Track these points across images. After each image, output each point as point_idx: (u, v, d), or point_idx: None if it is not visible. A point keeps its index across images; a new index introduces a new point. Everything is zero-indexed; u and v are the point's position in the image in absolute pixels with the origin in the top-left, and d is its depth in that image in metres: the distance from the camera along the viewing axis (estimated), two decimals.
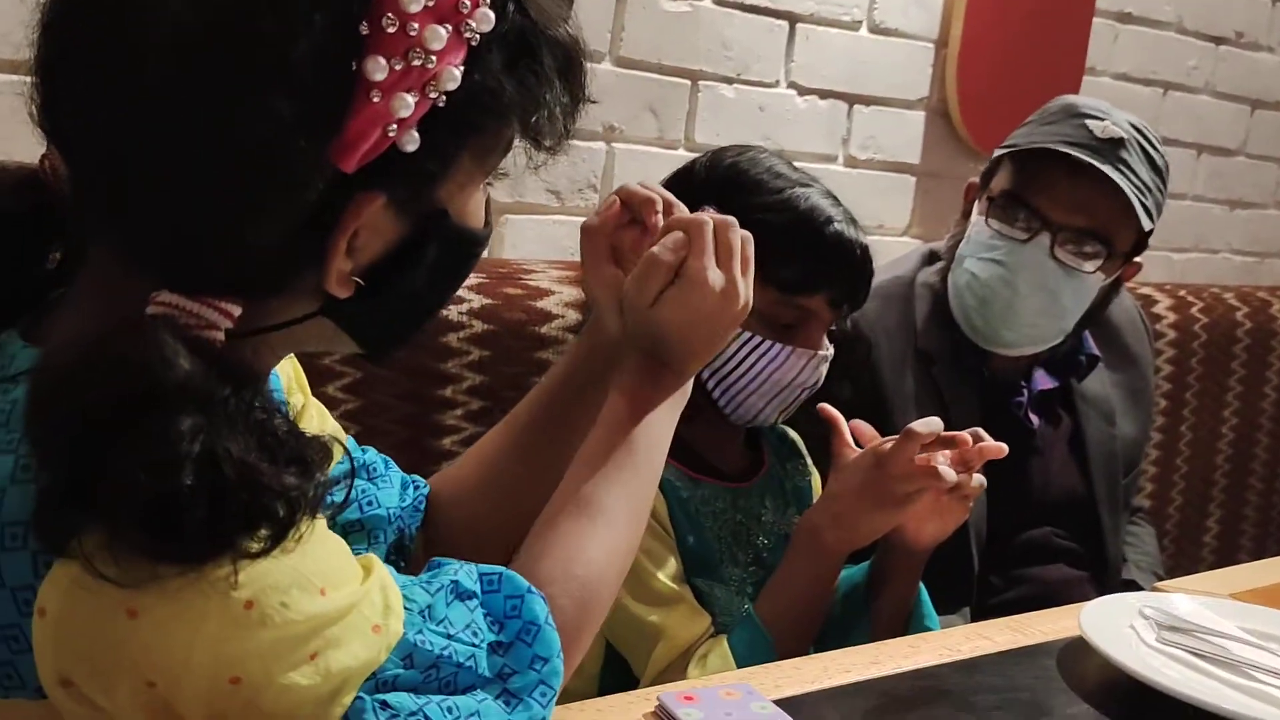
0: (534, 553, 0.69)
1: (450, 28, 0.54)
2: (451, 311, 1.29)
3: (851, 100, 1.85)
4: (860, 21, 1.83)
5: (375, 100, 0.53)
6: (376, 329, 0.63)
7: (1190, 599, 1.03)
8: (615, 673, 1.10)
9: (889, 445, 1.02)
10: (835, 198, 1.14)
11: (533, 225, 1.59)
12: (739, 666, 1.00)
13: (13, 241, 0.62)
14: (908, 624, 1.13)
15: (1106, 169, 1.28)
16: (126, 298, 0.54)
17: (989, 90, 1.94)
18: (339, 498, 0.58)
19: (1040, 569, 1.43)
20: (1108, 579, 1.48)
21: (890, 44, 1.88)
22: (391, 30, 0.53)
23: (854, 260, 1.10)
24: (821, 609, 1.08)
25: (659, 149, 1.66)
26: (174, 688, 0.52)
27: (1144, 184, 1.31)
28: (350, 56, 0.52)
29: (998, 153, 1.39)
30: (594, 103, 0.66)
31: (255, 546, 0.52)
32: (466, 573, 0.64)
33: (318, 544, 0.56)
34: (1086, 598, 1.35)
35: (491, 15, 0.56)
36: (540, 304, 1.35)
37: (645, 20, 1.62)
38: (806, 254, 1.09)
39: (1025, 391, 1.44)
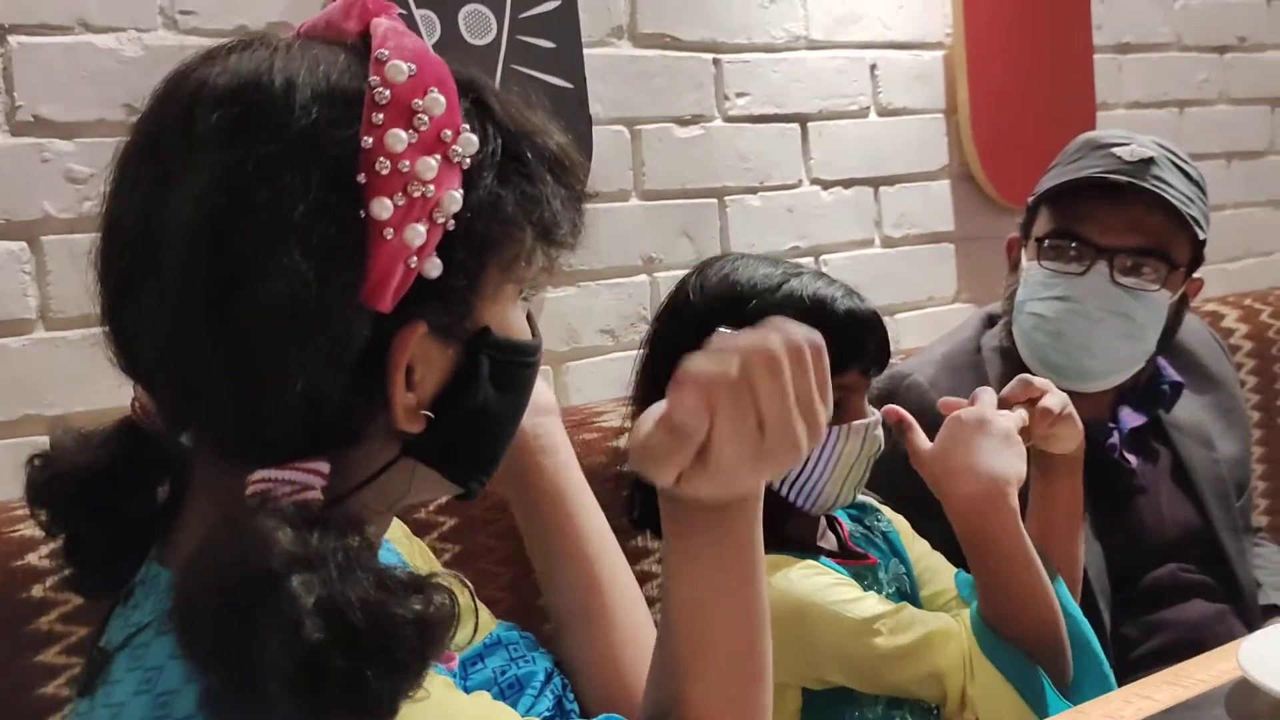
0: None
1: (439, 157, 0.58)
2: None
3: (876, 183, 1.88)
4: (868, 108, 1.87)
5: (389, 237, 0.56)
6: (459, 459, 0.65)
7: None
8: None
9: (969, 409, 1.12)
10: (827, 275, 1.17)
11: (593, 368, 1.61)
12: (1001, 671, 1.03)
13: (120, 485, 0.65)
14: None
15: (1145, 185, 1.29)
16: (231, 496, 0.57)
17: (1007, 145, 1.96)
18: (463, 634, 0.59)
19: (1176, 610, 1.38)
20: (1244, 606, 1.42)
21: (901, 122, 1.91)
22: (385, 172, 0.57)
23: (872, 327, 1.14)
24: (1042, 582, 1.08)
25: None
26: None
27: (1184, 195, 1.31)
28: (355, 206, 0.56)
29: (1031, 200, 1.40)
30: (592, 196, 0.69)
31: (407, 681, 0.54)
32: None
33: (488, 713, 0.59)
34: (1231, 631, 1.31)
35: (474, 138, 0.60)
36: (618, 444, 1.35)
37: (662, 151, 1.66)
38: (830, 336, 1.10)
39: (1116, 432, 1.42)
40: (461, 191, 0.59)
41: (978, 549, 1.09)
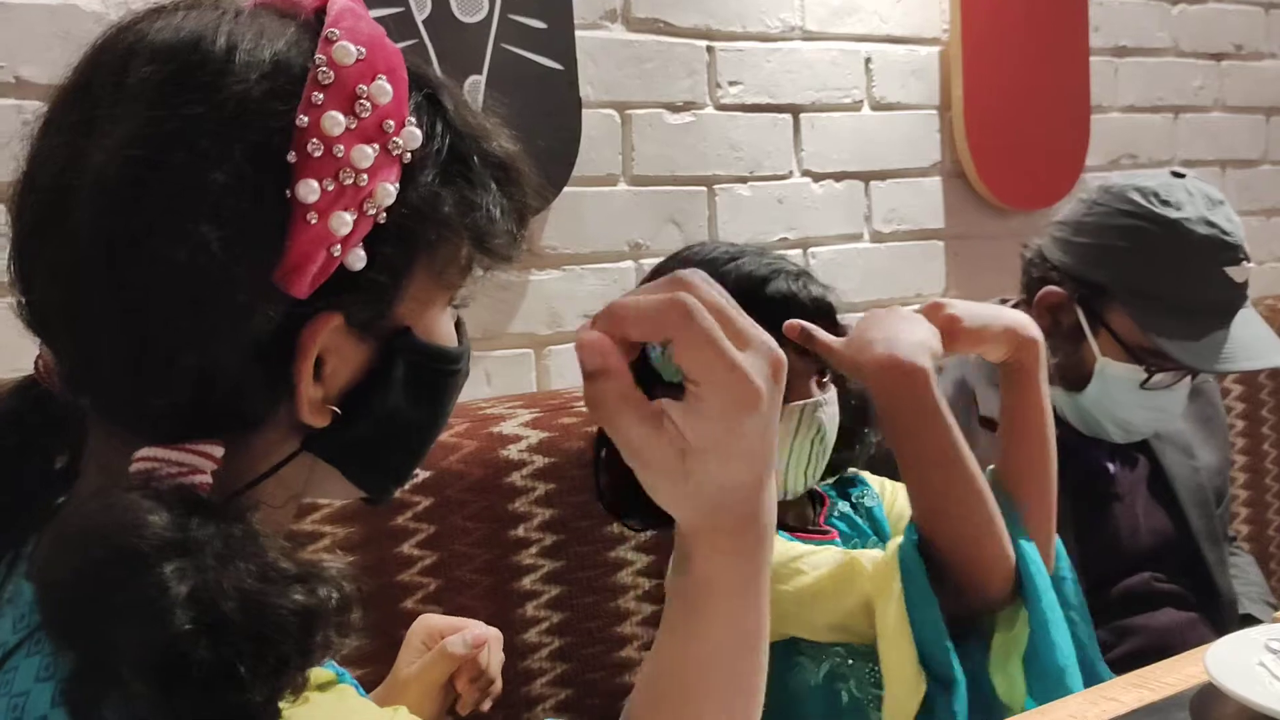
0: None
1: (377, 147, 0.56)
2: (512, 450, 1.30)
3: (867, 178, 1.87)
4: (861, 101, 1.86)
5: (313, 222, 0.54)
6: (364, 461, 0.63)
7: None
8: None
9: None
10: (770, 254, 1.16)
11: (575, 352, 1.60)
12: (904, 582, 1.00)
13: (12, 445, 0.62)
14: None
15: (1255, 316, 1.31)
16: (121, 473, 0.55)
17: (1000, 144, 1.96)
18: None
19: (1146, 617, 1.39)
20: (1222, 615, 1.42)
21: (894, 117, 1.90)
22: (318, 154, 0.55)
23: (804, 306, 1.11)
24: (963, 471, 1.03)
25: None
26: None
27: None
28: (281, 184, 0.54)
29: (1105, 279, 1.31)
30: (538, 209, 0.67)
31: (286, 677, 0.51)
32: None
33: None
34: (1202, 639, 1.30)
35: (418, 133, 0.58)
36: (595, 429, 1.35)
37: (652, 137, 1.65)
38: (751, 313, 1.09)
39: (1098, 440, 1.41)
40: (398, 185, 0.57)
41: (895, 421, 1.05)
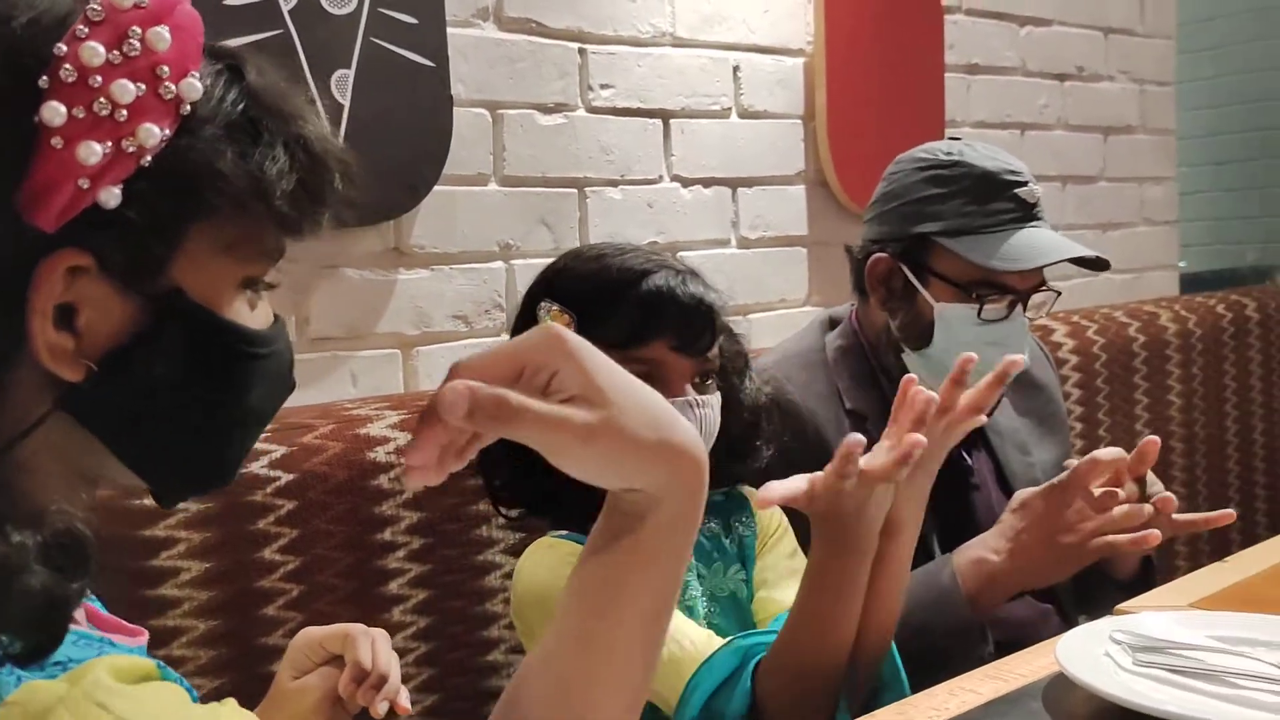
0: None
1: (144, 87, 0.55)
2: (379, 452, 1.27)
3: (734, 184, 1.90)
4: (729, 109, 1.89)
5: (57, 146, 0.53)
6: (127, 433, 0.59)
7: (1156, 616, 1.05)
8: None
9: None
10: (661, 256, 1.16)
11: (445, 353, 1.58)
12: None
13: None
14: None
15: (1053, 231, 1.37)
16: None
17: (861, 154, 2.02)
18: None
19: (1005, 609, 1.44)
20: (1066, 605, 1.49)
21: (761, 125, 1.94)
22: (70, 80, 0.54)
23: (680, 303, 1.10)
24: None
25: None
26: None
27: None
28: (30, 107, 0.54)
29: (921, 230, 1.37)
30: (339, 197, 0.64)
31: None
32: None
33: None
34: (1054, 630, 1.37)
35: (199, 85, 0.58)
36: None
37: (523, 137, 1.64)
38: (625, 306, 1.10)
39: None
40: (169, 132, 0.56)
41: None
